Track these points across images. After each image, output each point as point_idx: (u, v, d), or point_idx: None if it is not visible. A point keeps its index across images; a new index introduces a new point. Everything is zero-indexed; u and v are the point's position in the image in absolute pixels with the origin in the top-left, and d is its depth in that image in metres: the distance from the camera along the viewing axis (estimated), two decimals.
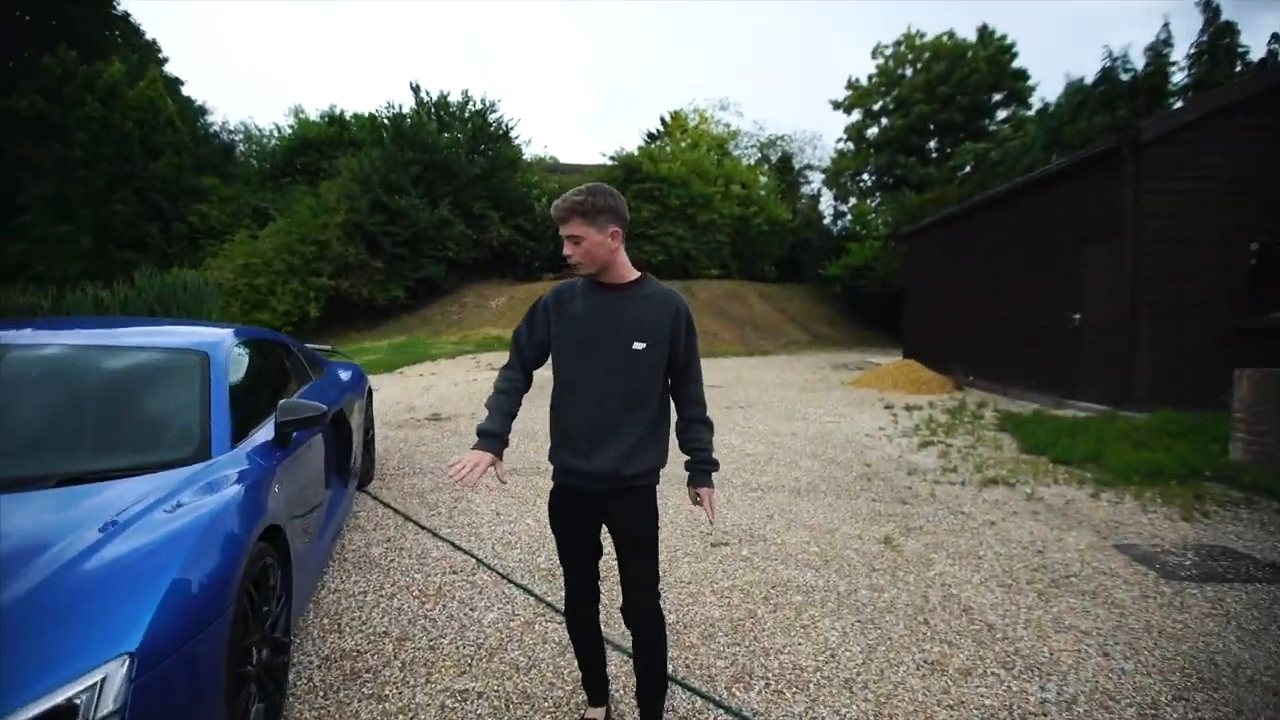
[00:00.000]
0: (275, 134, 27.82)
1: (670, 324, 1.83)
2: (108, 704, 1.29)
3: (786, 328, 22.04)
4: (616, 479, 1.82)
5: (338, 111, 26.59)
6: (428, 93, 23.89)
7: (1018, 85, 27.07)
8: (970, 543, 3.78)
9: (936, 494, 4.78)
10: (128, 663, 1.34)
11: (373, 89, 55.05)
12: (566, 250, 1.79)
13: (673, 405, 1.97)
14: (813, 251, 27.54)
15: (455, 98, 24.07)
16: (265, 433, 2.43)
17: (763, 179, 28.50)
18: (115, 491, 1.80)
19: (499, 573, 3.21)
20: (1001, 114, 27.81)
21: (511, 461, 5.56)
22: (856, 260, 23.37)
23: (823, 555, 3.57)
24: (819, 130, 59.18)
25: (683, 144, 27.64)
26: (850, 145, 30.38)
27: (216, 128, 29.65)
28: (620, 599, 1.94)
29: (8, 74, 22.78)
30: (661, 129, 30.65)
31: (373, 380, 10.89)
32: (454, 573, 3.22)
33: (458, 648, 2.54)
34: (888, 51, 28.93)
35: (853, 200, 30.37)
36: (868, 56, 30.93)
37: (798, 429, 7.20)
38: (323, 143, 25.17)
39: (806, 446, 6.31)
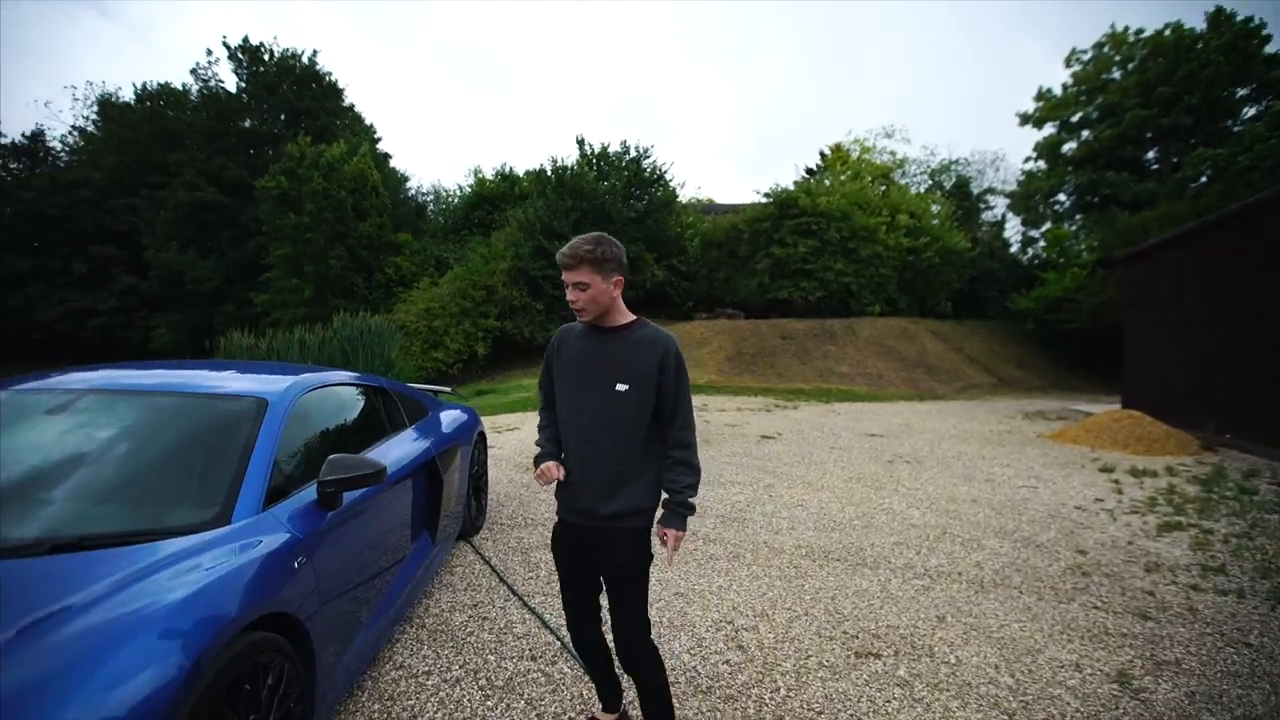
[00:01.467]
0: (458, 193, 31.20)
1: (658, 365, 1.89)
2: None
3: (965, 369, 19.45)
4: (597, 518, 1.93)
5: (508, 169, 29.09)
6: (590, 145, 25.29)
7: (1271, 74, 22.08)
8: (1268, 697, 2.51)
9: (1197, 607, 3.41)
10: None
11: (543, 147, 60.24)
12: (571, 296, 1.88)
13: None
14: (997, 283, 24.40)
15: (615, 148, 25.19)
16: (307, 494, 2.15)
17: (935, 207, 25.99)
18: (93, 567, 1.55)
19: (583, 667, 2.66)
20: (1250, 110, 22.81)
21: None
22: (1054, 291, 20.20)
23: (1019, 692, 2.55)
24: (1001, 149, 53.36)
25: (843, 176, 26.21)
26: (1042, 164, 26.81)
27: (413, 191, 34.04)
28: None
29: (265, 162, 28.16)
30: (820, 164, 29.49)
31: (515, 419, 11.23)
32: (532, 659, 2.74)
33: None
34: (1086, 56, 25.35)
35: (1046, 225, 26.56)
36: (1059, 66, 27.13)
37: (980, 494, 5.88)
38: (496, 197, 27.61)
39: (992, 519, 5.05)
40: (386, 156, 32.73)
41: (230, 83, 31.83)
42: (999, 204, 30.36)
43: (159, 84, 33.50)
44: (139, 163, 31.39)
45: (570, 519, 2.00)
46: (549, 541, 4.26)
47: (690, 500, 1.94)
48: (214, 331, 19.88)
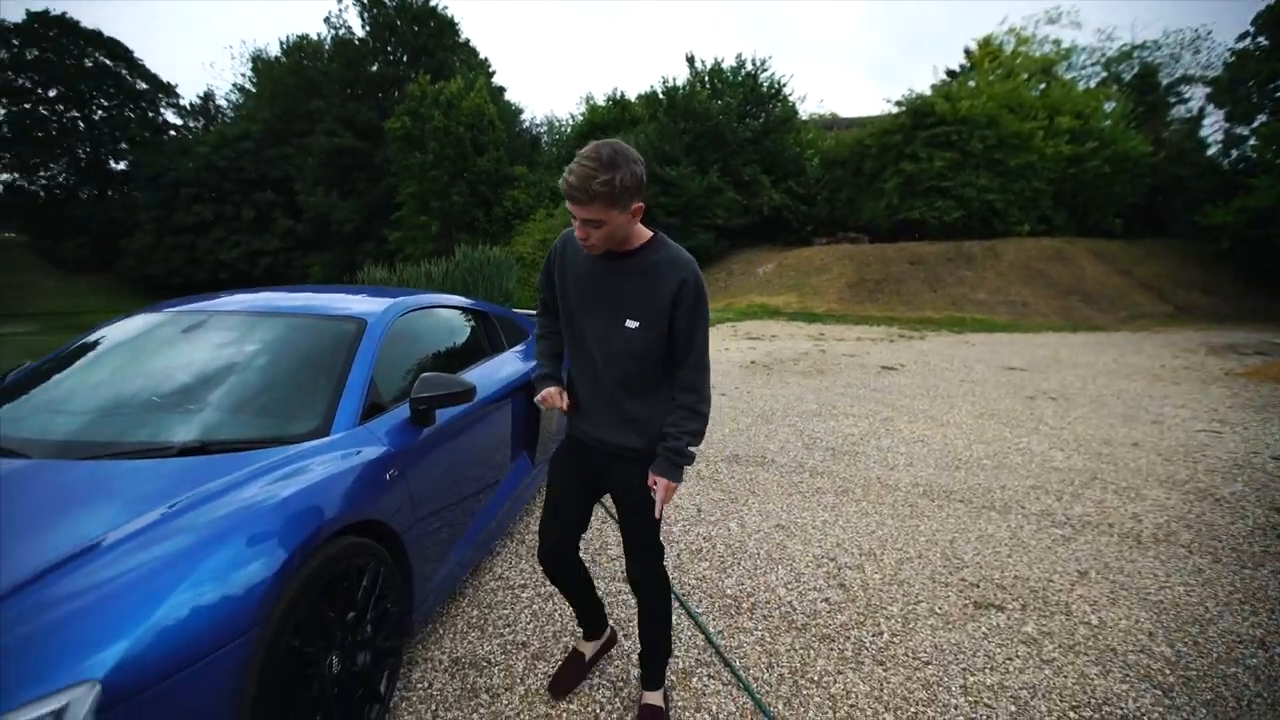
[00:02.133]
0: (570, 122, 31.07)
1: (672, 297, 1.62)
2: None
3: (1132, 296, 16.91)
4: (607, 445, 1.80)
5: (620, 95, 28.36)
6: (702, 62, 23.95)
7: None
8: None
9: None
10: (95, 691, 1.09)
11: (657, 68, 57.77)
12: (580, 234, 1.58)
13: None
14: (1185, 194, 20.64)
15: (730, 64, 23.67)
16: (401, 411, 2.21)
17: (1108, 105, 22.09)
18: (212, 468, 1.67)
19: (673, 594, 2.63)
20: None
21: (735, 445, 5.02)
22: (1263, 201, 16.72)
23: (1179, 665, 2.18)
24: (1206, 24, 43.10)
25: (992, 76, 22.87)
26: (1262, 40, 21.71)
27: (527, 124, 34.36)
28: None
29: (392, 104, 29.51)
30: (965, 65, 25.89)
31: None
32: (623, 580, 2.75)
33: (591, 685, 2.04)
34: None
35: (1261, 118, 21.76)
36: None
37: (1144, 437, 5.10)
38: (607, 124, 27.16)
39: (1158, 466, 4.36)
40: (501, 90, 33.10)
41: (357, 27, 33.36)
42: (1196, 95, 25.20)
43: (298, 36, 35.81)
44: (288, 113, 34.17)
45: (579, 436, 1.86)
46: None
47: (690, 449, 1.69)
48: (356, 268, 21.71)
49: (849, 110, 29.41)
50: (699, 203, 21.91)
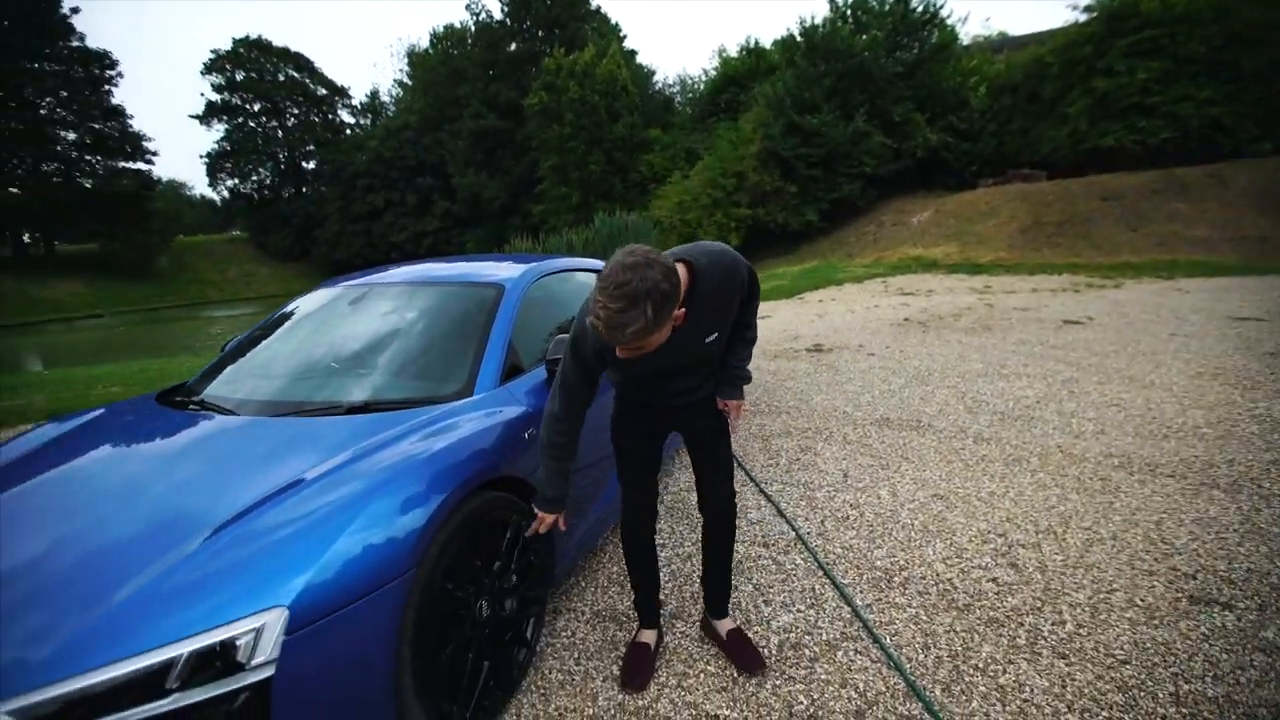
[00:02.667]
0: (703, 79, 30.22)
1: (738, 294, 1.69)
2: (265, 651, 1.21)
3: None
4: (687, 404, 1.85)
5: (754, 43, 26.99)
6: None
7: None
8: None
9: None
10: (284, 616, 1.24)
11: (793, 8, 53.96)
12: (622, 354, 1.48)
13: None
14: None
15: None
16: (538, 373, 2.27)
17: None
18: (374, 425, 1.83)
19: (817, 561, 2.50)
20: None
21: (886, 407, 4.65)
22: None
23: None
24: None
25: None
26: None
27: (659, 85, 34.02)
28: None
29: (529, 81, 30.60)
30: None
31: (768, 307, 10.97)
32: (764, 545, 2.66)
33: (718, 656, 2.00)
34: None
35: None
36: None
37: None
38: (742, 76, 26.06)
39: None
40: (633, 53, 33.02)
41: (496, 10, 34.86)
42: None
43: (445, 26, 38.21)
44: (439, 101, 36.87)
45: (639, 398, 1.86)
46: (788, 429, 4.10)
47: (749, 370, 1.89)
48: (504, 241, 23.14)
49: (1021, 27, 25.53)
50: (843, 151, 20.42)
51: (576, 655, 2.02)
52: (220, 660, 1.20)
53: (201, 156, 45.47)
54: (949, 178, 21.12)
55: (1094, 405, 4.23)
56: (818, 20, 21.73)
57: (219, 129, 42.44)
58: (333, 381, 2.18)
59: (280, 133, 43.45)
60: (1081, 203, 16.00)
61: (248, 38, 41.59)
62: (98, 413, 2.28)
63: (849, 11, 21.81)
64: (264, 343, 2.54)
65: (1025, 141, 19.73)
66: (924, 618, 2.11)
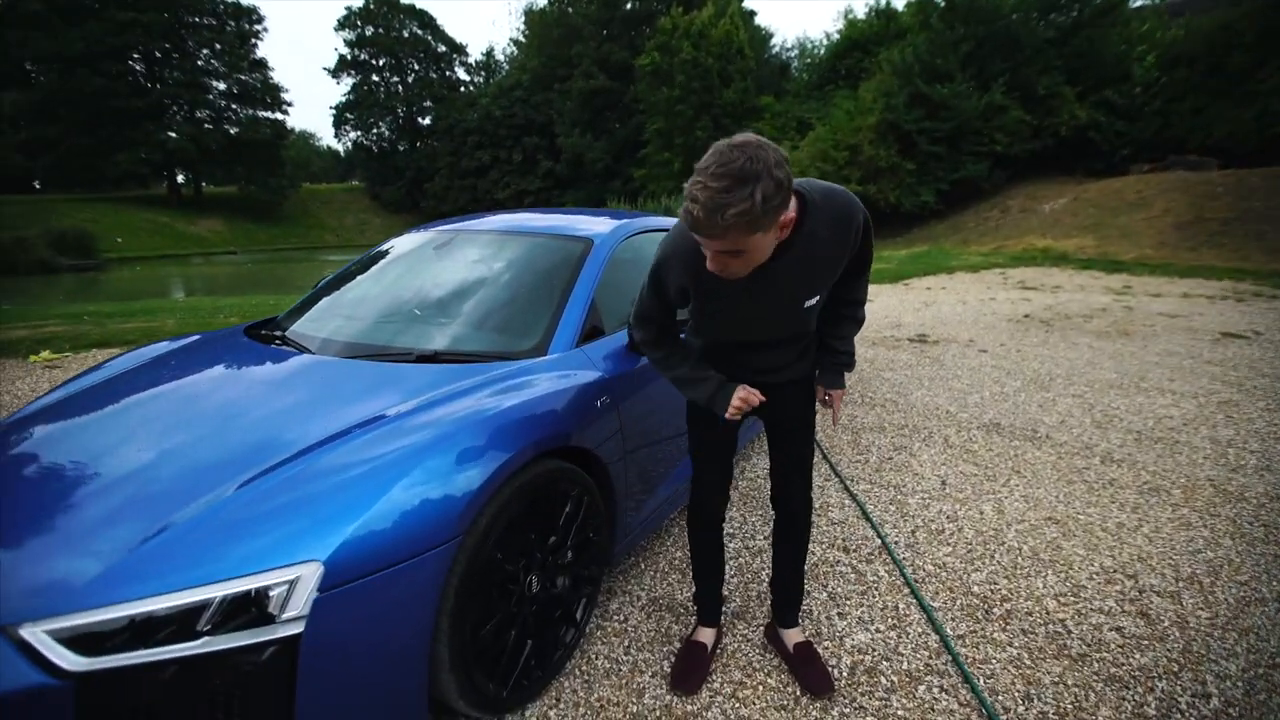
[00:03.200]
0: (824, 42, 28.50)
1: (850, 252, 1.42)
2: (296, 606, 1.16)
3: None
4: (774, 385, 1.62)
5: (885, 3, 25.01)
6: None
7: None
8: None
9: None
10: (319, 571, 1.18)
11: None
12: (713, 264, 1.25)
13: None
14: None
15: None
16: (620, 337, 2.12)
17: None
18: (440, 377, 1.75)
19: (904, 575, 2.23)
20: None
21: (997, 411, 4.17)
22: None
23: None
24: None
25: None
26: None
27: (777, 49, 32.43)
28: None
29: (643, 41, 30.03)
30: None
31: (872, 291, 10.29)
32: (844, 550, 2.42)
33: (781, 669, 1.81)
34: None
35: None
36: None
37: None
38: (868, 41, 24.34)
39: None
40: (751, 14, 31.59)
41: None
42: None
43: None
44: (552, 60, 37.07)
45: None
46: (882, 424, 3.76)
47: (851, 355, 1.70)
48: (602, 204, 23.14)
49: None
50: (973, 126, 18.70)
51: (627, 644, 1.91)
52: (254, 608, 1.15)
53: (330, 108, 48.53)
54: (1094, 161, 18.90)
55: (1258, 435, 3.59)
56: None
57: (347, 83, 44.99)
58: (408, 328, 2.14)
59: (401, 88, 45.45)
60: (1260, 198, 13.82)
61: None
62: (192, 339, 2.37)
63: None
64: (350, 283, 2.54)
65: (1196, 123, 17.24)
66: (1027, 661, 1.83)
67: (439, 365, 1.84)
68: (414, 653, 1.31)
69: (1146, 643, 1.90)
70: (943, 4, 19.95)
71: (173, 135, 34.88)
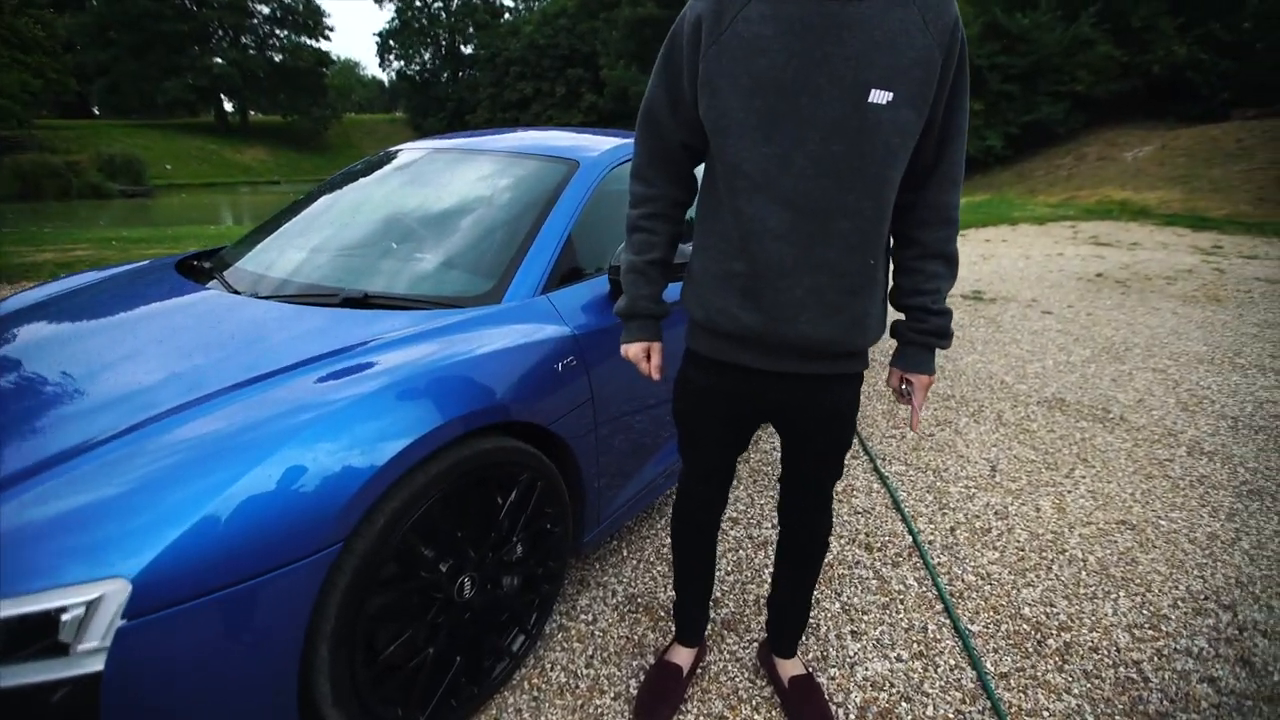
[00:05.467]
0: None
1: (943, 53, 0.94)
2: (96, 635, 0.85)
3: None
4: (795, 355, 1.08)
5: None
6: None
7: None
8: None
9: None
10: (125, 590, 0.86)
11: None
12: None
13: None
14: None
15: None
16: (599, 283, 1.72)
17: None
18: (358, 327, 1.39)
19: (938, 588, 1.85)
20: None
21: (1061, 384, 3.64)
22: None
23: None
24: None
25: None
26: None
27: None
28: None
29: None
30: None
31: None
32: (866, 548, 2.04)
33: (773, 702, 1.47)
34: None
35: None
36: None
37: None
38: None
39: None
40: None
41: None
42: None
43: None
44: None
45: (740, 358, 1.12)
46: (928, 397, 3.29)
47: (948, 322, 1.12)
48: None
49: None
50: (1053, 62, 16.94)
51: (591, 652, 1.59)
52: (41, 636, 0.85)
53: (374, 35, 47.44)
54: (1191, 105, 16.98)
55: None
56: None
57: (390, 9, 43.78)
58: (345, 265, 1.77)
59: (444, 14, 44.01)
60: None
61: None
62: (122, 269, 2.07)
63: None
64: (304, 211, 2.17)
65: None
66: (1088, 715, 1.44)
67: (365, 311, 1.48)
68: (275, 693, 1.00)
69: (1250, 702, 1.49)
70: None
71: (218, 61, 34.75)
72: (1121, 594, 1.84)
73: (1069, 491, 2.40)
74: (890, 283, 1.17)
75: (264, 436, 1.03)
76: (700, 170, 1.17)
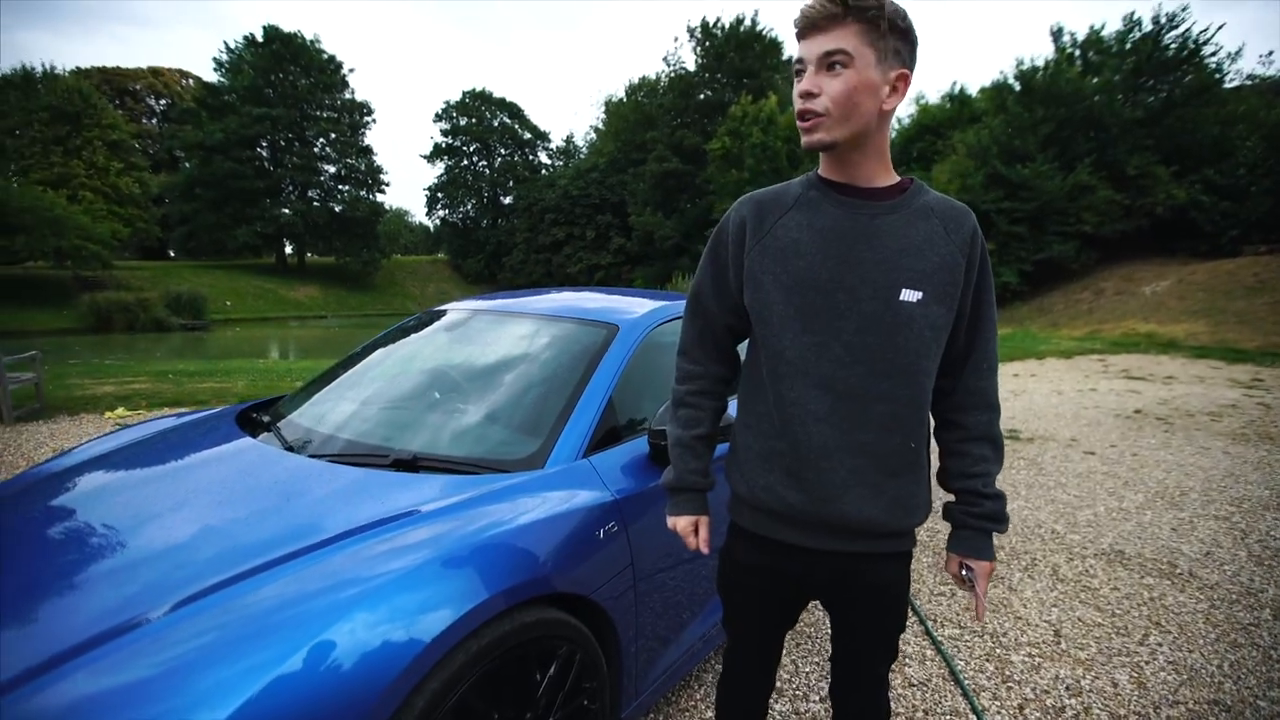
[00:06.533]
0: (897, 127, 28.58)
1: (964, 257, 1.05)
2: None
3: None
4: (838, 534, 1.08)
5: (958, 90, 24.93)
6: (1072, 34, 19.56)
7: None
8: None
9: None
10: None
11: (1009, 54, 49.54)
12: (806, 85, 0.99)
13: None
14: None
15: (1115, 28, 18.87)
16: (638, 444, 1.75)
17: None
18: (406, 494, 1.42)
19: None
20: None
21: (1117, 534, 3.43)
22: None
23: None
24: None
25: None
26: None
27: None
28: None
29: (714, 127, 31.19)
30: None
31: None
32: (924, 712, 1.85)
33: None
34: None
35: None
36: None
37: None
38: (940, 124, 24.14)
39: None
40: None
41: (690, 62, 36.26)
42: None
43: (640, 78, 40.56)
44: (627, 145, 38.93)
45: (785, 536, 1.12)
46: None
47: (1003, 507, 1.13)
48: (666, 280, 23.30)
49: None
50: (1056, 206, 17.87)
51: None
52: None
53: (424, 189, 52.58)
54: (1197, 242, 17.51)
55: None
56: (1037, 63, 19.46)
57: (440, 167, 48.82)
58: (395, 424, 1.84)
59: (488, 171, 48.79)
60: None
61: (475, 90, 47.70)
62: (186, 419, 2.19)
63: (1077, 51, 19.31)
64: (357, 366, 2.30)
65: None
66: None
67: (412, 475, 1.52)
68: None
69: None
70: (1019, 89, 19.62)
71: (285, 211, 38.55)
72: None
73: (1147, 663, 2.19)
74: (934, 464, 1.18)
75: (312, 613, 1.03)
76: (744, 348, 1.24)
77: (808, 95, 1.00)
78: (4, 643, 1.05)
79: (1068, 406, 6.92)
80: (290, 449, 1.75)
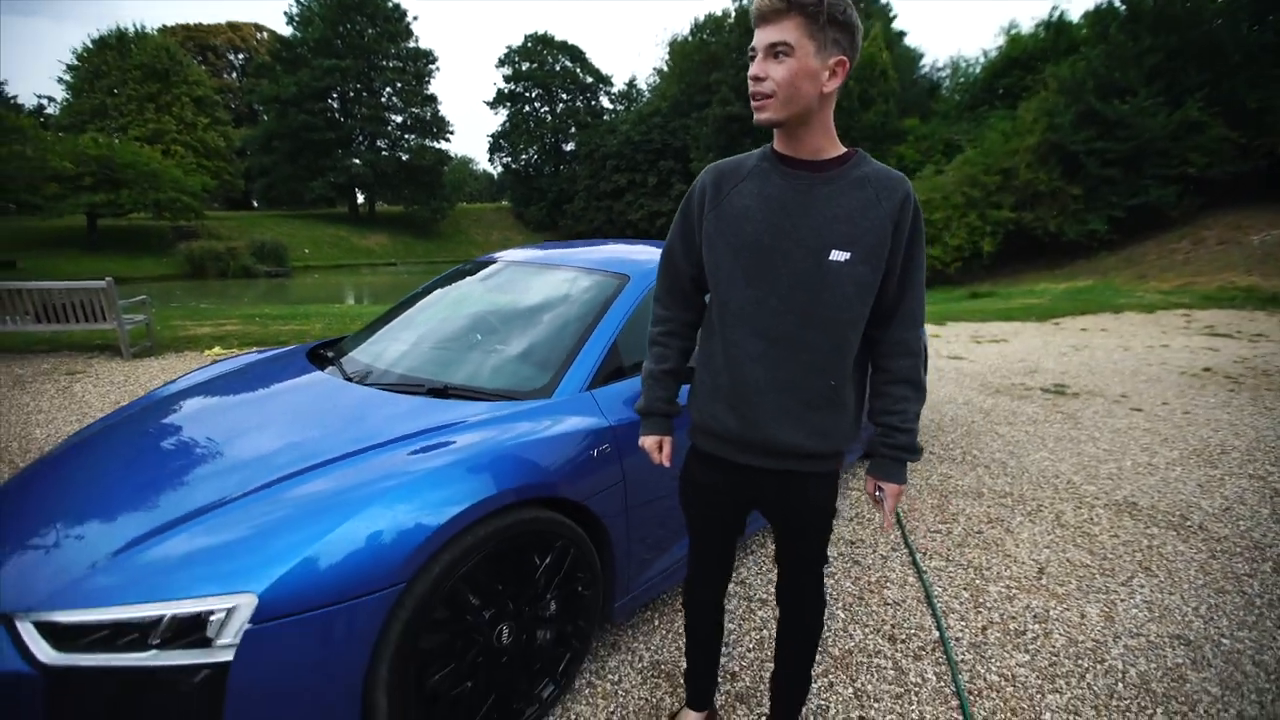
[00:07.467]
0: (980, 60, 26.44)
1: (892, 222, 1.21)
2: (230, 634, 1.18)
3: None
4: (773, 453, 1.30)
5: (1058, 16, 22.69)
6: None
7: None
8: None
9: None
10: (254, 603, 1.19)
11: None
12: (755, 70, 1.17)
13: None
14: None
15: None
16: (637, 383, 2.00)
17: None
18: (438, 414, 1.74)
19: (956, 685, 1.88)
20: None
21: (1135, 486, 3.47)
22: None
23: None
24: None
25: None
26: None
27: (926, 69, 30.61)
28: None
29: None
30: None
31: (1006, 328, 9.26)
32: (890, 639, 2.09)
33: None
34: None
35: None
36: None
37: None
38: (1032, 57, 22.20)
39: None
40: (900, 35, 30.15)
41: None
42: None
43: (707, 15, 38.82)
44: (691, 88, 37.74)
45: (727, 454, 1.35)
46: (979, 489, 3.26)
47: (917, 441, 1.34)
48: None
49: None
50: (1158, 146, 16.32)
51: (612, 709, 1.76)
52: (196, 631, 1.19)
53: (488, 136, 53.06)
54: None
55: None
56: None
57: (503, 113, 48.99)
58: (435, 360, 2.18)
59: (550, 117, 48.61)
60: None
61: (536, 33, 47.09)
62: (261, 355, 2.60)
63: None
64: (409, 309, 2.65)
65: None
66: None
67: (444, 400, 1.84)
68: (347, 697, 1.28)
69: None
70: (1125, 12, 17.72)
71: (356, 162, 40.01)
72: (1159, 711, 1.79)
73: (1123, 600, 2.33)
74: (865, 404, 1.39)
75: (357, 497, 1.37)
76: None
77: (756, 79, 1.17)
78: (134, 514, 1.44)
79: (1130, 363, 6.67)
80: (349, 379, 2.10)
